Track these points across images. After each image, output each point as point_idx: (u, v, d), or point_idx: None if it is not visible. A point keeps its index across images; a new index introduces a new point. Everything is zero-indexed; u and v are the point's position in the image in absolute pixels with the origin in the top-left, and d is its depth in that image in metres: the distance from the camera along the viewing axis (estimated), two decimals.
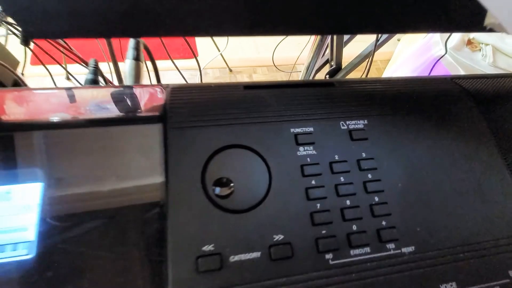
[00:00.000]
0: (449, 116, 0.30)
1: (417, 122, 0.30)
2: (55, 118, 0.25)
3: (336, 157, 0.26)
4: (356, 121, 0.28)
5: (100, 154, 0.24)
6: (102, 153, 0.24)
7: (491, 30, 0.23)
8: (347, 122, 0.28)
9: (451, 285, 0.23)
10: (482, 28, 0.24)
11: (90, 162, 0.23)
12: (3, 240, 0.21)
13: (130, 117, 0.26)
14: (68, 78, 1.48)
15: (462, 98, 0.32)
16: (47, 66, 0.67)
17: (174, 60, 0.79)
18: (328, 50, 1.00)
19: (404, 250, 0.24)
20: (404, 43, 1.87)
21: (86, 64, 0.60)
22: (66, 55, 0.61)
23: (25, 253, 0.21)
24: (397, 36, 1.97)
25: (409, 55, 1.57)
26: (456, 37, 1.36)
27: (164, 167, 0.23)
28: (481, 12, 0.23)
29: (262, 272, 0.22)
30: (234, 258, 0.22)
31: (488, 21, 0.23)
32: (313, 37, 1.06)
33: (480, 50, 1.35)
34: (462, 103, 0.31)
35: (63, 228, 0.22)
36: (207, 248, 0.21)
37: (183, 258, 0.21)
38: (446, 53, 1.04)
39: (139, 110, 0.27)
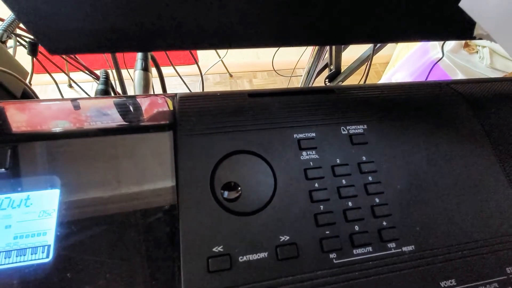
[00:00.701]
0: (445, 120, 0.32)
1: (414, 126, 0.31)
2: (69, 128, 0.26)
3: (338, 161, 0.27)
4: (356, 126, 0.29)
5: (113, 161, 0.25)
6: (116, 160, 0.25)
7: (480, 39, 0.25)
8: (348, 127, 0.29)
9: (451, 282, 0.24)
10: (472, 37, 0.25)
11: (105, 169, 0.25)
12: (24, 244, 0.23)
13: (142, 125, 0.27)
14: (70, 86, 1.50)
15: (458, 102, 0.33)
16: (49, 74, 0.69)
17: (176, 66, 0.81)
18: (327, 55, 1.02)
19: (405, 249, 0.25)
20: (403, 46, 1.89)
21: (90, 72, 0.61)
22: (70, 63, 0.62)
23: (44, 256, 0.22)
24: None
25: (407, 58, 1.59)
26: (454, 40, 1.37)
27: (175, 173, 0.25)
28: (472, 22, 0.24)
29: (270, 272, 0.23)
30: (242, 258, 0.23)
31: (476, 32, 0.24)
32: None
33: (477, 52, 1.36)
34: (458, 108, 0.33)
35: (80, 232, 0.23)
36: (217, 249, 0.23)
37: (194, 258, 0.22)
38: (443, 56, 1.06)
39: (149, 119, 0.28)
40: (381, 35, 0.29)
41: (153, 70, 0.63)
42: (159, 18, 0.22)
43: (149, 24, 0.23)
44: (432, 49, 1.40)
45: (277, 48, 1.53)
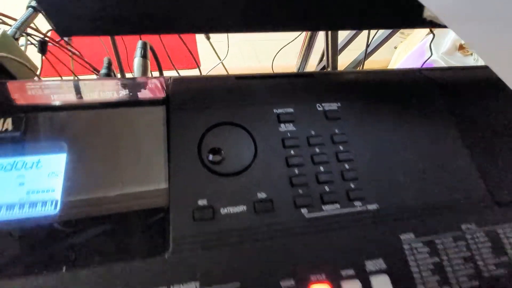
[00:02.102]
0: (414, 101, 0.35)
1: (385, 104, 0.34)
2: (76, 102, 0.30)
3: (313, 133, 0.31)
4: (330, 103, 0.33)
5: (113, 130, 0.29)
6: (116, 129, 0.29)
7: (431, 21, 0.28)
8: (323, 104, 0.32)
9: (409, 235, 0.27)
10: (424, 20, 0.28)
11: (105, 136, 0.28)
12: (35, 198, 0.26)
13: (139, 100, 0.31)
14: None
15: (427, 85, 0.37)
16: (56, 77, 0.74)
17: (178, 70, 0.86)
18: (324, 58, 1.06)
19: (370, 207, 0.28)
20: (400, 50, 1.93)
21: (97, 71, 0.66)
22: (76, 60, 0.67)
23: (53, 209, 0.26)
24: (394, 43, 2.04)
25: (404, 61, 1.62)
26: (448, 43, 1.41)
27: (167, 140, 0.28)
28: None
29: (248, 222, 0.26)
30: (224, 210, 0.26)
31: (426, 14, 0.27)
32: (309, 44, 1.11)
33: (471, 54, 1.40)
34: (426, 90, 0.36)
35: (83, 188, 0.26)
36: (202, 202, 0.26)
37: (182, 210, 0.25)
38: (431, 55, 1.10)
39: (145, 95, 0.32)
40: (346, 22, 0.33)
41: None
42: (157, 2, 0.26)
43: (149, 8, 0.26)
44: (427, 51, 1.44)
45: (277, 52, 1.58)
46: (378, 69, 0.40)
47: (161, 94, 0.31)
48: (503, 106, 0.35)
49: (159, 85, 0.33)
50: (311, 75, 0.37)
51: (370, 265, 0.25)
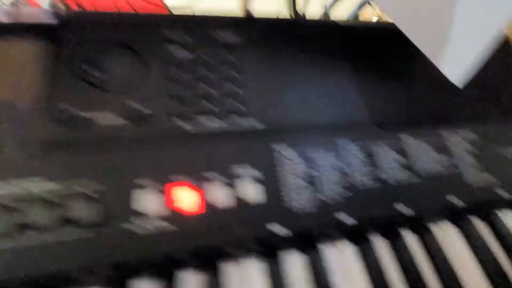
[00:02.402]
0: (318, 41, 0.36)
1: (289, 42, 0.35)
2: None
3: (206, 57, 0.31)
4: (230, 35, 0.33)
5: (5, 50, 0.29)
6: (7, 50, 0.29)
7: None
8: (222, 35, 0.33)
9: (281, 145, 0.28)
10: None
11: None
12: None
13: (36, 24, 0.31)
14: None
15: (334, 31, 0.38)
16: None
17: None
18: None
19: (250, 122, 0.29)
20: None
21: None
22: None
23: None
24: None
25: None
26: None
27: (54, 59, 0.28)
28: None
29: (122, 132, 0.26)
30: (98, 120, 0.26)
31: None
32: None
33: None
34: (332, 33, 0.37)
35: None
36: (75, 111, 0.26)
37: (44, 110, 0.25)
38: None
39: (42, 21, 0.32)
40: None
41: None
42: None
43: None
44: None
45: None
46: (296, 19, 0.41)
47: (57, 21, 0.32)
48: (393, 49, 0.37)
49: (59, 13, 0.33)
50: (222, 17, 0.37)
51: (236, 169, 0.26)
